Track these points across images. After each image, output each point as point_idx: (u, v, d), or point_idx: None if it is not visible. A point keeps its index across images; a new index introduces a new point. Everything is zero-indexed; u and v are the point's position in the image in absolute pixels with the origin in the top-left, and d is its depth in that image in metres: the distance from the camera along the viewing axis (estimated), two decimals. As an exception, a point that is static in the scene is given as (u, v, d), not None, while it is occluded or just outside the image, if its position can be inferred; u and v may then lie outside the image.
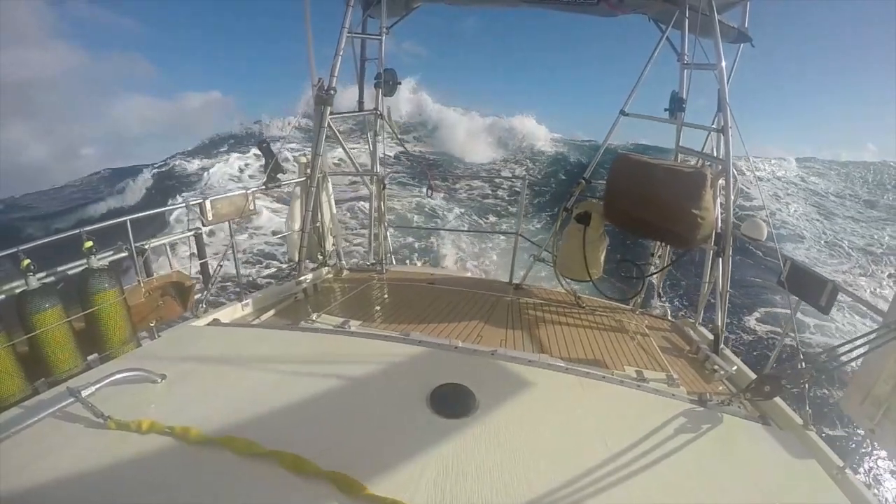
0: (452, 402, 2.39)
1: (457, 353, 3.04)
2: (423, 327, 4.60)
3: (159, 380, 2.55)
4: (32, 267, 3.28)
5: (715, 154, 5.05)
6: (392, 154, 6.41)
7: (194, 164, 23.40)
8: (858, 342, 2.65)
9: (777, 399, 3.24)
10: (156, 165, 24.12)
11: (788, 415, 3.37)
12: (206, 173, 20.75)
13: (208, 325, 3.47)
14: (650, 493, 2.01)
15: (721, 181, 4.73)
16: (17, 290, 3.30)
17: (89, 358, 3.57)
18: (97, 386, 2.27)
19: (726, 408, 3.00)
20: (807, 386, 2.93)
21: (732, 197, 4.73)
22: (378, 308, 5.09)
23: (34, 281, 3.31)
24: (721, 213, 4.76)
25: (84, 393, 2.21)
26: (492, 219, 18.84)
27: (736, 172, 4.77)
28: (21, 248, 3.35)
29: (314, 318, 4.56)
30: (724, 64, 4.86)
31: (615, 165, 5.25)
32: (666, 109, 5.73)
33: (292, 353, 3.09)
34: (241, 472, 1.95)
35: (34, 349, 3.31)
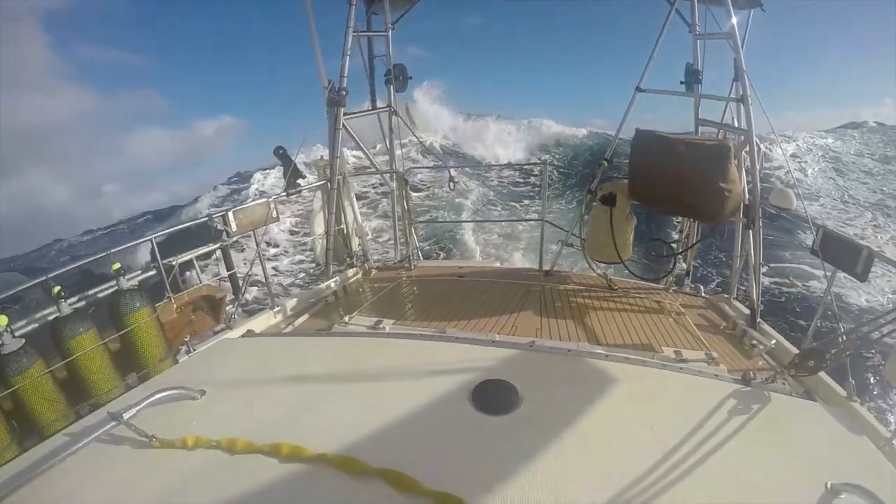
0: (495, 399, 2.31)
1: (494, 346, 2.95)
2: (458, 322, 4.48)
3: (199, 396, 2.50)
4: (63, 293, 3.26)
5: (735, 124, 4.84)
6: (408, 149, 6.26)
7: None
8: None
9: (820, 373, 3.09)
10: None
11: (832, 388, 3.23)
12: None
13: (242, 336, 3.42)
14: (704, 478, 1.92)
15: (744, 151, 4.56)
16: (51, 317, 3.29)
17: (128, 379, 3.56)
18: (138, 408, 2.23)
19: (771, 385, 2.86)
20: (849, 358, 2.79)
21: (758, 167, 4.55)
22: (410, 305, 4.99)
23: (66, 307, 3.29)
24: (747, 185, 4.59)
25: (126, 416, 2.16)
26: (522, 205, 18.57)
27: (759, 141, 4.57)
28: (49, 275, 3.33)
29: (346, 321, 4.50)
30: (737, 31, 4.65)
31: (636, 143, 5.04)
32: (682, 82, 5.51)
33: (328, 358, 3.03)
34: (291, 477, 1.92)
35: (72, 374, 3.30)
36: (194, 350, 4.26)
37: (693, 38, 5.41)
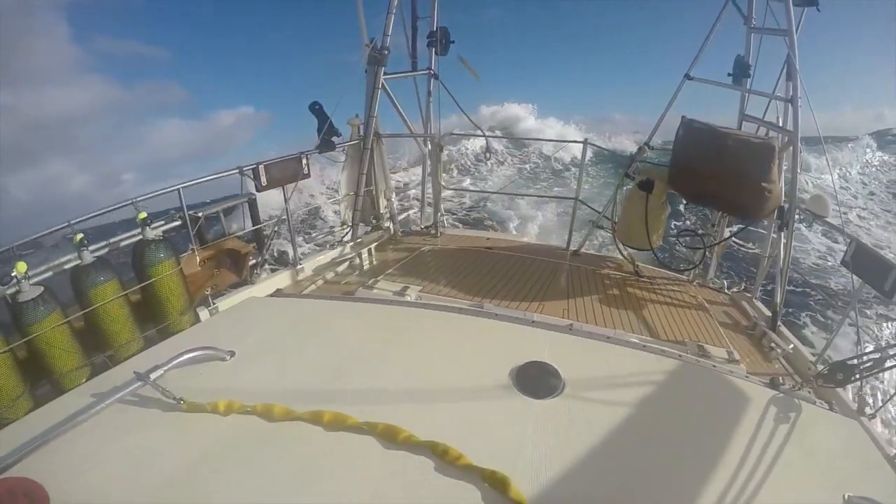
0: (538, 381, 2.22)
1: (533, 327, 2.79)
2: (486, 297, 4.30)
3: (228, 357, 2.31)
4: (86, 241, 3.07)
5: (780, 124, 4.53)
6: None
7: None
8: None
9: None
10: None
11: (845, 401, 3.20)
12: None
13: (270, 296, 3.22)
14: (733, 478, 1.87)
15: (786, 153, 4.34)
16: (72, 265, 3.11)
17: (147, 333, 3.40)
18: (166, 367, 2.05)
19: (798, 392, 2.78)
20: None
21: (798, 170, 4.35)
22: (437, 274, 4.79)
23: (88, 255, 3.10)
24: (785, 187, 4.37)
25: (153, 376, 1.97)
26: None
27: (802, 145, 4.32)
28: (72, 221, 3.14)
29: (372, 284, 4.34)
30: (795, 30, 4.28)
31: (682, 132, 4.74)
32: (729, 74, 5.15)
33: (362, 324, 2.86)
34: (334, 446, 1.79)
35: (91, 324, 3.14)
36: (214, 304, 4.12)
37: (747, 31, 5.03)
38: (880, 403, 3.26)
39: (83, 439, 1.82)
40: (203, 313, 4.01)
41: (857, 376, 2.77)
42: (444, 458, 1.68)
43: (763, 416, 2.30)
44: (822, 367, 2.84)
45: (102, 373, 3.16)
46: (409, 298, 4.01)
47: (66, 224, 3.09)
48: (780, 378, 2.93)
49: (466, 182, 16.57)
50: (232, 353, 2.35)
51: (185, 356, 2.15)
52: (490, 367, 2.35)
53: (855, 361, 2.79)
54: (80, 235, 3.05)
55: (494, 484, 1.59)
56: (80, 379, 2.96)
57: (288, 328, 2.78)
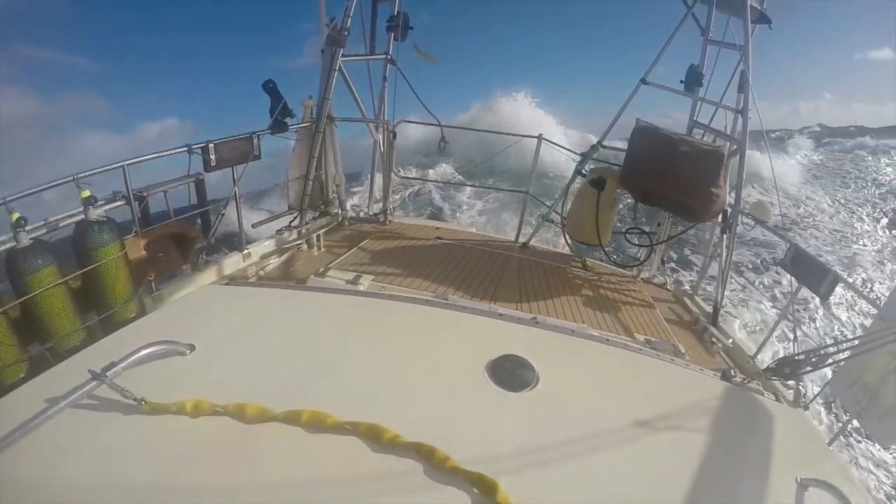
0: (514, 375, 2.16)
1: (500, 320, 2.72)
2: (439, 287, 4.24)
3: (188, 351, 2.06)
4: (23, 221, 2.70)
5: (728, 131, 4.76)
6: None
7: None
8: (867, 339, 2.70)
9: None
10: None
11: (783, 392, 3.41)
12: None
13: (219, 283, 2.96)
14: (696, 468, 1.90)
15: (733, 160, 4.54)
16: (5, 248, 2.72)
17: (89, 323, 3.06)
18: (123, 365, 1.77)
19: (747, 385, 2.91)
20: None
21: (744, 177, 4.56)
22: (389, 263, 4.64)
23: (25, 237, 2.73)
24: (731, 192, 4.57)
25: (110, 374, 1.70)
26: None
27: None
28: (7, 198, 2.75)
29: (324, 273, 4.16)
30: (750, 45, 4.49)
31: (636, 134, 4.86)
32: (681, 82, 5.31)
33: (327, 316, 2.67)
34: (316, 446, 1.65)
35: (28, 314, 2.78)
36: (157, 291, 3.78)
37: (703, 43, 5.22)
38: (811, 396, 3.49)
39: (34, 447, 1.55)
40: (147, 301, 3.67)
41: (802, 371, 2.90)
42: (430, 461, 1.59)
43: (720, 406, 2.36)
44: (771, 361, 2.97)
45: (42, 367, 2.83)
46: (361, 287, 3.85)
47: (1, 201, 2.70)
48: (732, 371, 3.04)
49: (413, 172, 16.02)
50: (192, 347, 2.10)
51: (143, 351, 1.89)
52: (464, 360, 2.27)
53: (801, 357, 2.92)
54: (16, 215, 2.69)
55: (483, 489, 1.52)
56: (18, 374, 2.63)
57: (248, 319, 2.55)
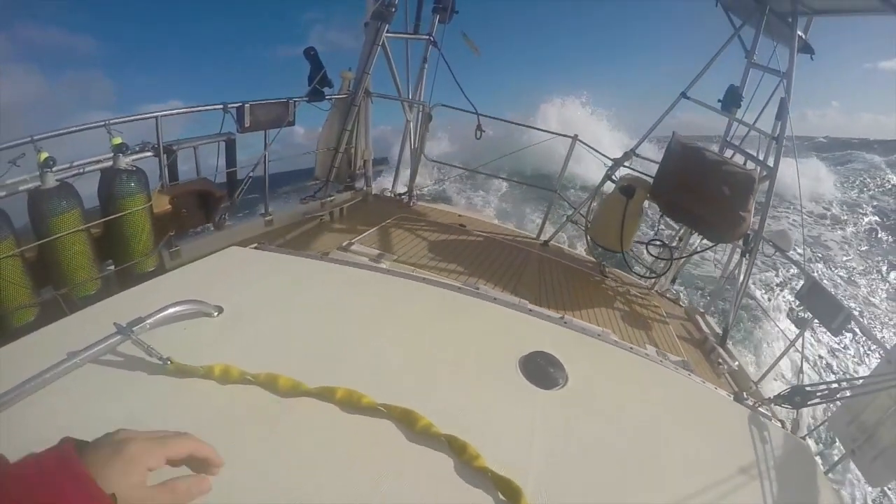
0: (545, 372, 2.05)
1: (530, 315, 2.60)
2: (464, 275, 4.15)
3: (215, 313, 1.89)
4: (52, 161, 2.56)
5: (760, 156, 4.63)
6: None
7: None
8: (872, 379, 2.73)
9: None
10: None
11: (786, 420, 3.34)
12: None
13: (254, 248, 2.81)
14: (718, 488, 1.79)
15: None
16: (29, 187, 2.59)
17: (106, 273, 2.94)
18: (151, 321, 1.61)
19: (759, 409, 2.81)
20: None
21: (771, 204, 4.46)
22: (413, 245, 4.53)
23: (51, 178, 2.59)
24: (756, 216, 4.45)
25: (136, 329, 1.55)
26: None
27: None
28: (36, 137, 2.61)
29: (347, 247, 4.03)
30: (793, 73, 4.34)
31: (673, 148, 4.71)
32: (719, 101, 5.12)
33: (358, 292, 2.52)
34: (348, 427, 1.52)
35: (45, 256, 2.66)
36: (176, 247, 3.66)
37: (747, 65, 5.06)
38: (808, 426, 3.48)
39: (49, 400, 1.42)
40: (165, 256, 3.56)
41: (812, 402, 2.80)
42: (461, 456, 1.48)
43: (734, 427, 2.26)
44: (784, 389, 2.85)
45: (54, 313, 2.71)
46: (383, 266, 3.73)
47: (29, 139, 2.57)
48: (744, 393, 2.96)
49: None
50: (220, 310, 1.95)
51: (171, 309, 1.75)
52: (496, 352, 2.15)
53: (812, 389, 2.83)
54: (44, 154, 2.55)
55: (507, 494, 1.42)
56: (28, 317, 2.52)
57: (276, 286, 2.41)
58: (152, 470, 0.81)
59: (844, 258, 15.56)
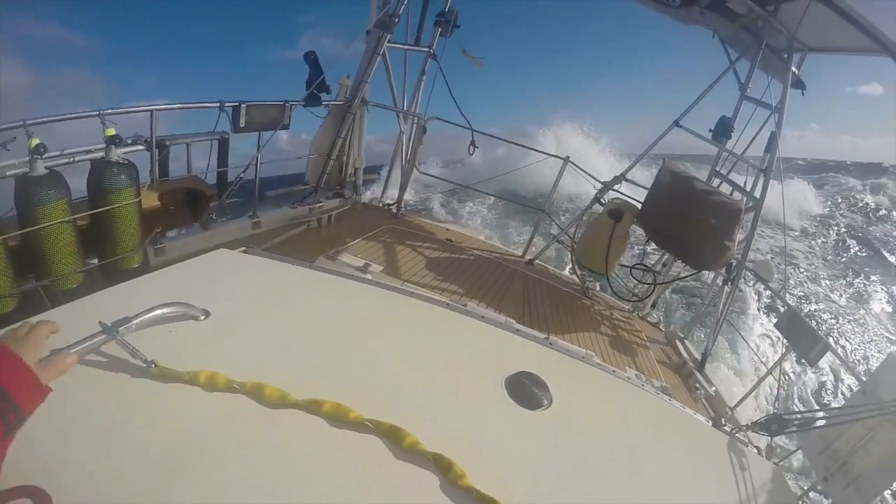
0: (530, 392, 2.04)
1: (517, 335, 2.60)
2: (449, 290, 4.12)
3: (202, 317, 1.82)
4: (42, 148, 2.46)
5: (747, 187, 4.69)
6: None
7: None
8: (848, 409, 2.75)
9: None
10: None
11: (761, 447, 3.38)
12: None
13: (242, 251, 2.74)
14: None
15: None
16: (16, 172, 2.49)
17: (89, 266, 2.83)
18: (136, 321, 1.53)
19: (736, 435, 2.82)
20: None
21: (755, 235, 4.52)
22: (398, 255, 4.50)
23: (41, 165, 2.49)
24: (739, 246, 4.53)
25: (122, 329, 1.46)
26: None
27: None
28: (28, 122, 2.51)
29: (334, 255, 4.00)
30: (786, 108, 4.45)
31: (662, 176, 4.78)
32: (710, 130, 5.19)
33: (348, 302, 2.48)
34: (334, 441, 1.49)
35: (28, 245, 2.54)
36: (161, 244, 3.55)
37: (740, 97, 5.15)
38: (780, 453, 3.48)
39: None
40: (150, 253, 3.45)
41: (788, 430, 2.88)
42: (447, 475, 1.45)
43: (712, 452, 2.31)
44: (762, 416, 2.92)
45: (34, 303, 2.59)
46: (370, 277, 3.68)
47: (21, 123, 2.46)
48: (722, 419, 2.96)
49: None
50: (207, 313, 1.87)
51: (158, 311, 1.67)
52: (483, 371, 2.13)
53: (790, 417, 2.90)
54: (36, 140, 2.45)
55: None
56: (7, 307, 2.41)
57: (264, 291, 2.34)
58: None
59: (809, 265, 16.19)
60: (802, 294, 13.20)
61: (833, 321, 11.98)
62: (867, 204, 26.14)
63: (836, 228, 21.20)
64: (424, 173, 5.87)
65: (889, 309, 13.45)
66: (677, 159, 5.39)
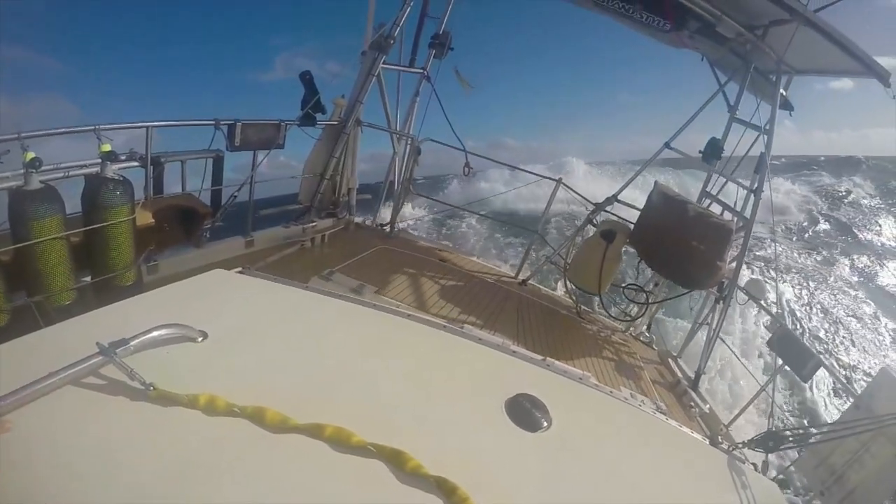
0: (530, 414, 2.01)
1: (514, 357, 2.57)
2: (444, 311, 4.09)
3: (199, 338, 1.75)
4: (37, 162, 2.40)
5: (736, 206, 4.75)
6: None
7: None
8: (841, 425, 2.83)
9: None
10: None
11: (758, 464, 3.27)
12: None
13: (238, 272, 2.68)
14: None
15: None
16: (10, 186, 2.42)
17: (82, 283, 2.75)
18: (134, 343, 1.47)
19: (734, 452, 2.82)
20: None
21: (745, 255, 4.57)
22: (392, 275, 4.47)
23: (36, 180, 2.42)
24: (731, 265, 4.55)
25: (119, 351, 1.40)
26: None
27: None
28: (23, 134, 2.44)
29: (328, 276, 3.95)
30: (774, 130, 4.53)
31: (654, 198, 4.84)
32: (700, 152, 5.23)
33: (345, 324, 2.44)
34: (337, 466, 1.45)
35: (21, 260, 2.46)
36: (154, 262, 3.47)
37: (729, 119, 5.22)
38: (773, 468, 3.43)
39: (28, 422, 1.26)
40: (143, 271, 3.37)
41: (784, 447, 2.87)
42: (451, 498, 1.41)
43: (710, 470, 2.30)
44: (757, 434, 2.91)
45: (26, 319, 2.50)
46: (366, 298, 3.63)
47: (16, 136, 2.40)
48: (718, 437, 2.94)
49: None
50: (204, 335, 1.81)
51: (156, 332, 1.61)
52: (483, 394, 2.10)
53: (786, 434, 2.89)
54: (31, 154, 2.39)
55: None
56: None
57: (262, 313, 2.28)
58: None
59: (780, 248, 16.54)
60: (797, 307, 13.33)
61: (826, 335, 12.06)
62: (850, 199, 27.51)
63: (819, 226, 21.97)
64: (420, 194, 5.85)
65: (884, 320, 13.45)
66: (680, 168, 5.42)
